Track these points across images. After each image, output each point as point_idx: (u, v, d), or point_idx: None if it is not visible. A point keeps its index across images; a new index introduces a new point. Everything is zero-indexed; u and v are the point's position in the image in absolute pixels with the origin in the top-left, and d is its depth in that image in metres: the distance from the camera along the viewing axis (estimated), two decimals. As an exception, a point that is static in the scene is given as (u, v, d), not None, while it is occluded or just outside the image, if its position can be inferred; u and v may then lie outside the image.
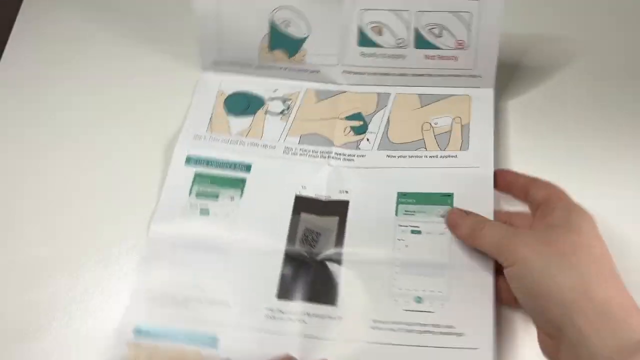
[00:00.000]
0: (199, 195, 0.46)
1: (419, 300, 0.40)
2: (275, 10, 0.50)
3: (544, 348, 0.36)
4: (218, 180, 0.46)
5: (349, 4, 0.49)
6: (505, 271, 0.36)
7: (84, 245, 0.44)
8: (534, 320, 0.36)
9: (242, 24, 0.50)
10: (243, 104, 0.50)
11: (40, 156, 0.49)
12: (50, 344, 0.40)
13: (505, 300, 0.38)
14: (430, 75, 0.49)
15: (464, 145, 0.46)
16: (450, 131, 0.47)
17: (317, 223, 0.44)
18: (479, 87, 0.48)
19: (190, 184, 0.46)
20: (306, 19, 0.50)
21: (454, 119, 0.48)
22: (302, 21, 0.50)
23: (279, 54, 0.50)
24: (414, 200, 0.44)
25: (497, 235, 0.37)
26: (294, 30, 0.50)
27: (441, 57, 0.48)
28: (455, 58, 0.48)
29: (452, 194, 0.43)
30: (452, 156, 0.46)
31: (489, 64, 0.47)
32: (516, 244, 0.36)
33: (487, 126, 0.47)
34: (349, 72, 0.50)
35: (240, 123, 0.50)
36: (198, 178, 0.47)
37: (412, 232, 0.42)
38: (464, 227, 0.39)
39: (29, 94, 0.52)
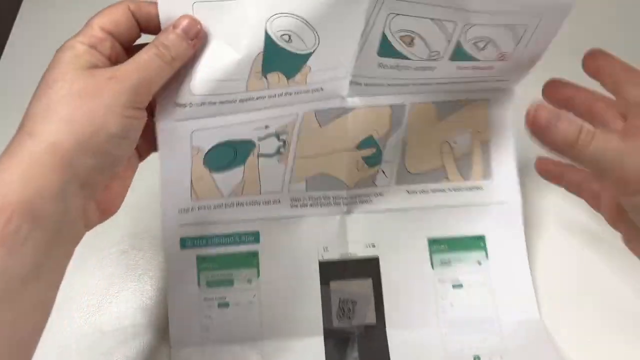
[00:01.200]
0: (210, 284, 0.39)
1: (477, 359, 0.42)
2: (272, 19, 0.33)
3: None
4: (227, 261, 0.39)
5: (373, 5, 0.34)
6: (635, 200, 0.29)
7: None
8: None
9: (225, 43, 0.33)
10: (228, 156, 0.38)
11: None
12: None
13: (603, 209, 0.35)
14: (454, 82, 0.40)
15: (487, 171, 0.43)
16: (471, 152, 0.43)
17: (350, 289, 0.41)
18: (500, 89, 0.42)
19: (195, 272, 0.38)
20: (313, 28, 0.34)
21: (472, 133, 0.42)
22: (309, 32, 0.34)
23: (274, 77, 0.36)
24: (447, 247, 0.43)
25: (616, 150, 0.28)
26: (297, 46, 0.35)
27: (476, 68, 0.39)
28: (491, 68, 0.40)
29: (484, 236, 0.43)
30: (477, 188, 0.43)
31: (524, 72, 0.40)
32: None
33: (507, 143, 0.43)
34: (358, 84, 0.38)
35: (229, 179, 0.38)
36: (202, 263, 0.38)
37: (454, 287, 0.42)
38: (561, 132, 0.29)
39: (29, 93, 0.46)
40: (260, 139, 0.38)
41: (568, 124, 0.29)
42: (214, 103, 0.35)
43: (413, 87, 0.39)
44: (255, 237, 0.40)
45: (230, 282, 0.39)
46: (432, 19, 0.35)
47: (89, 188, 0.29)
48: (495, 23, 0.36)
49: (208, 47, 0.32)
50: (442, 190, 0.43)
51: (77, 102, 0.28)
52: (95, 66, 0.30)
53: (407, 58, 0.37)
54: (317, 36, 0.34)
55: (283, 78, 0.35)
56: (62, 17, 0.52)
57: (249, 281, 0.39)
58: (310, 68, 0.36)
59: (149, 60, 0.30)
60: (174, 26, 0.31)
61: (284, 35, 0.33)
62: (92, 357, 0.39)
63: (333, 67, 0.36)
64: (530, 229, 0.44)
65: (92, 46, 0.30)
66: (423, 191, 0.43)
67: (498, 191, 0.43)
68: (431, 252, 0.42)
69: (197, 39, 0.32)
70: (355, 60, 0.36)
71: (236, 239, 0.39)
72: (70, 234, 0.29)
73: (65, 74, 0.29)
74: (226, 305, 0.39)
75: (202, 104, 0.34)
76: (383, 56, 0.37)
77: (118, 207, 0.33)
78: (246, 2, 0.32)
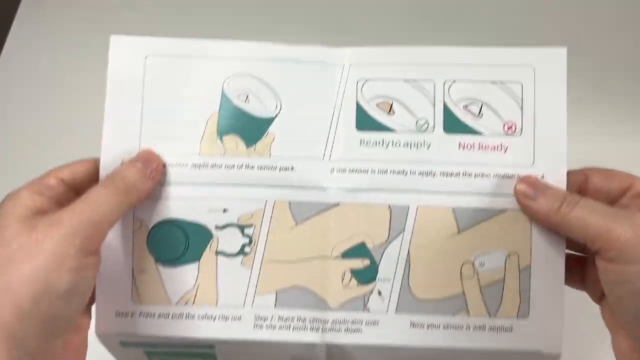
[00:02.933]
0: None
1: None
2: (230, 78, 0.32)
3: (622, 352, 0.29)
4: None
5: (341, 69, 0.32)
6: (605, 266, 0.27)
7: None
8: (626, 322, 0.28)
9: (177, 99, 0.32)
10: (178, 244, 0.31)
11: (40, 156, 0.44)
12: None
13: (581, 285, 0.32)
14: (467, 174, 0.32)
15: (523, 309, 0.31)
16: (503, 280, 0.31)
17: None
18: None
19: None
20: (274, 89, 0.32)
21: (508, 256, 0.31)
22: (269, 93, 0.32)
23: (231, 142, 0.32)
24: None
25: (600, 216, 0.27)
26: (257, 107, 0.32)
27: (483, 147, 0.32)
28: (503, 148, 0.32)
29: None
30: (505, 329, 0.31)
31: (555, 157, 0.31)
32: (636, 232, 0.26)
33: (556, 273, 0.31)
34: (342, 171, 0.32)
35: (180, 279, 0.31)
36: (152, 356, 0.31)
37: None
38: (544, 200, 0.29)
39: (29, 93, 0.51)
40: (218, 228, 0.32)
41: (554, 191, 0.29)
42: (163, 165, 0.31)
43: (417, 180, 0.32)
44: (209, 347, 0.30)
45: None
46: (405, 80, 0.32)
47: (42, 356, 0.26)
48: (478, 78, 0.31)
49: (159, 104, 0.32)
50: (459, 328, 0.30)
51: (15, 267, 0.25)
52: (39, 212, 0.27)
53: (391, 130, 0.32)
54: (278, 99, 0.32)
55: (242, 145, 0.32)
56: (61, 17, 0.54)
57: None
58: (274, 137, 0.32)
59: (102, 195, 0.27)
60: (133, 160, 0.30)
61: (240, 95, 0.32)
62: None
63: (304, 141, 0.32)
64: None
65: (39, 192, 0.28)
66: (432, 325, 0.30)
67: (534, 337, 0.30)
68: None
69: (155, 172, 0.30)
70: (333, 138, 0.32)
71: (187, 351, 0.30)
72: None
73: (4, 228, 0.26)
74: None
75: None
76: (363, 129, 0.32)
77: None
78: (202, 60, 0.32)
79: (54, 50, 0.53)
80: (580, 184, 0.30)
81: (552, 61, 0.31)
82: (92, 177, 0.30)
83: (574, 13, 0.54)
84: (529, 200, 0.30)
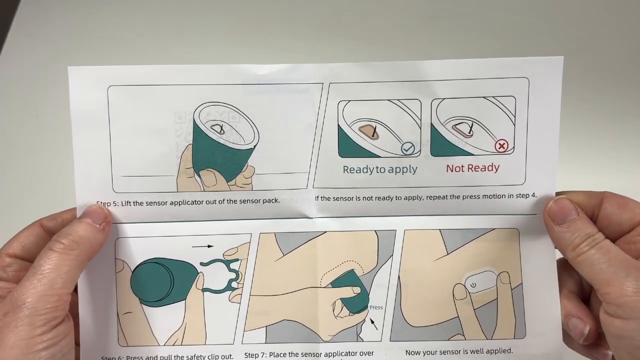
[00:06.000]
0: None
1: None
2: (199, 109, 0.30)
3: None
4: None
5: (320, 89, 0.30)
6: (611, 321, 0.26)
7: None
8: None
9: (147, 134, 0.30)
10: (163, 284, 0.31)
11: (39, 155, 0.48)
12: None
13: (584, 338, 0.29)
14: (455, 197, 0.30)
15: (520, 329, 0.31)
16: (496, 300, 0.30)
17: None
18: (531, 214, 0.30)
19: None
20: (249, 118, 0.30)
21: (499, 275, 0.30)
22: (245, 123, 0.30)
23: (209, 177, 0.30)
24: None
25: (616, 264, 0.26)
26: (232, 138, 0.30)
27: (472, 168, 0.30)
28: (494, 168, 0.30)
29: None
30: (503, 351, 0.31)
31: (546, 175, 0.30)
32: None
33: (549, 290, 0.30)
34: (327, 199, 0.31)
35: (166, 320, 0.31)
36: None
37: None
38: (568, 232, 0.28)
39: (28, 92, 0.51)
40: (203, 264, 0.31)
41: (581, 226, 0.28)
42: (141, 204, 0.30)
43: (402, 205, 0.31)
44: None
45: None
46: (390, 100, 0.30)
47: None
48: (469, 93, 0.29)
49: (128, 137, 0.30)
50: (456, 352, 0.30)
51: None
52: (1, 299, 0.27)
53: (375, 155, 0.30)
54: (255, 129, 0.30)
55: (221, 179, 0.30)
56: (61, 17, 0.53)
57: None
58: (254, 169, 0.30)
59: (54, 260, 0.26)
60: (81, 216, 0.29)
61: (214, 125, 0.30)
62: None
63: (286, 172, 0.31)
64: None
65: None
66: (428, 352, 0.30)
67: (533, 358, 0.30)
68: None
69: (106, 224, 0.29)
70: (315, 165, 0.30)
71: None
72: None
73: None
74: None
75: (127, 203, 0.30)
76: (345, 156, 0.30)
77: None
78: (170, 88, 0.30)
79: (54, 49, 0.51)
80: (595, 207, 0.29)
81: (548, 71, 0.29)
82: (42, 241, 0.29)
83: (573, 19, 0.50)
84: (555, 224, 0.29)
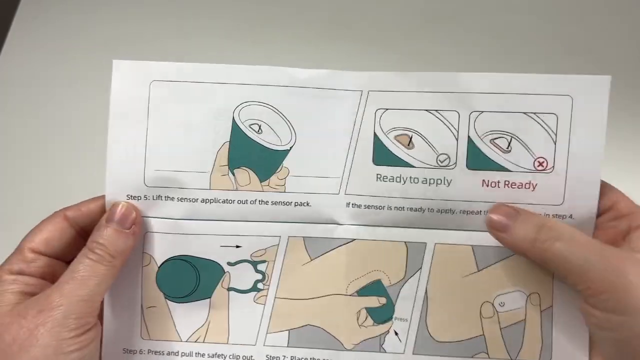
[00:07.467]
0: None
1: None
2: (241, 106, 0.30)
3: None
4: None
5: (359, 96, 0.30)
6: (586, 308, 0.26)
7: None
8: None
9: (185, 129, 0.30)
10: (189, 281, 0.31)
11: (40, 155, 0.48)
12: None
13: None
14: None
15: (546, 352, 0.30)
16: (524, 321, 0.29)
17: None
18: None
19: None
20: (288, 120, 0.30)
21: (529, 296, 0.29)
22: (283, 124, 0.30)
23: (243, 176, 0.31)
24: None
25: (588, 255, 0.25)
26: (270, 139, 0.31)
27: (509, 184, 0.30)
28: (531, 186, 0.29)
29: None
30: None
31: (587, 197, 0.29)
32: (630, 276, 0.24)
33: (580, 315, 0.29)
34: (358, 206, 0.30)
35: (191, 316, 0.31)
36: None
37: None
38: (522, 229, 0.27)
39: (28, 92, 0.50)
40: (230, 264, 0.31)
41: (526, 221, 0.27)
42: (172, 199, 0.30)
43: (434, 218, 0.30)
44: None
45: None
46: (428, 110, 0.30)
47: None
48: (509, 108, 0.29)
49: (165, 132, 0.30)
50: None
51: None
52: (26, 294, 0.27)
53: (409, 165, 0.30)
54: (292, 130, 0.30)
55: (255, 179, 0.31)
56: (60, 16, 0.53)
57: None
58: (288, 171, 0.31)
59: (88, 269, 0.27)
60: (107, 219, 0.29)
61: (253, 124, 0.30)
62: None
63: (320, 175, 0.31)
64: None
65: (20, 272, 0.27)
66: None
67: None
68: None
69: (135, 226, 0.29)
70: (349, 171, 0.31)
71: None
72: None
73: None
74: None
75: (158, 197, 0.30)
76: (380, 164, 0.30)
77: None
78: (212, 86, 0.30)
79: (54, 51, 0.52)
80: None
81: (593, 91, 0.28)
82: (67, 236, 0.29)
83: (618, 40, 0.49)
84: (500, 233, 0.28)
